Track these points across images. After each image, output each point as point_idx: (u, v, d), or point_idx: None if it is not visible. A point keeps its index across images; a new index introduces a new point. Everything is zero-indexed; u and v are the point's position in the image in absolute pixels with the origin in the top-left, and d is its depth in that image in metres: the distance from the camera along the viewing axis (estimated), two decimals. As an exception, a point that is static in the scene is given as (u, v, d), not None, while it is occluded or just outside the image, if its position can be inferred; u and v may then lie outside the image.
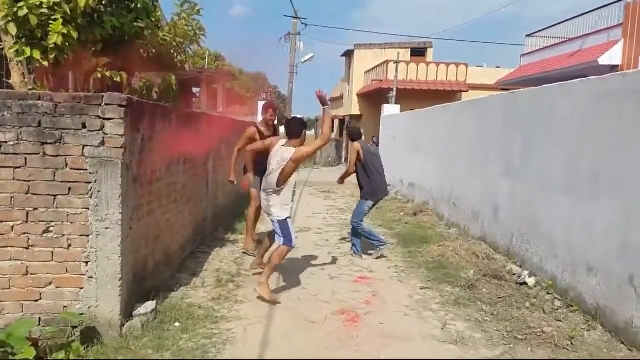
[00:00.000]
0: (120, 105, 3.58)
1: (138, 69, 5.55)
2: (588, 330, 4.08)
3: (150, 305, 4.03)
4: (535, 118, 5.69)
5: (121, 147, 3.59)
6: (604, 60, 11.87)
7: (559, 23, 15.22)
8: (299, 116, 5.09)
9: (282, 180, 4.69)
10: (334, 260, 6.09)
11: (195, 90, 35.60)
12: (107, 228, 3.64)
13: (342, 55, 31.00)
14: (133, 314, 3.92)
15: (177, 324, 3.91)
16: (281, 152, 4.74)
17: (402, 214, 9.56)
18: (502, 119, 6.63)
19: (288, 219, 4.81)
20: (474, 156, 7.57)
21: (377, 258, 6.24)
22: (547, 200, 5.30)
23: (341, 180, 6.97)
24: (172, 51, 5.47)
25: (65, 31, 3.85)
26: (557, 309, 4.64)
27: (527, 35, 17.28)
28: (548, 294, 4.98)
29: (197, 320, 4.00)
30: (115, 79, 4.65)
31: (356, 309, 4.46)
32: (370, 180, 6.38)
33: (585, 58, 12.49)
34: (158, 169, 4.48)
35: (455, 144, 8.47)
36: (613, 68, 12.03)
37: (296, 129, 4.89)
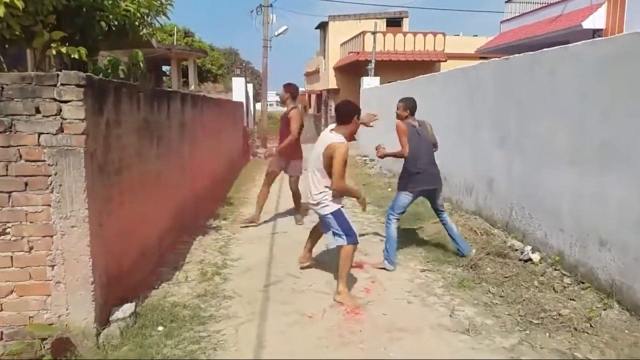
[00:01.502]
0: (78, 85, 3.09)
1: (99, 44, 4.98)
2: (605, 309, 3.81)
3: (128, 308, 3.62)
4: (534, 85, 5.33)
5: (82, 134, 3.11)
6: (587, 24, 11.57)
7: (539, -13, 14.89)
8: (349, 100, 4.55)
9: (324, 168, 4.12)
10: (326, 246, 5.70)
11: (165, 68, 34.58)
12: (73, 226, 3.19)
13: (316, 28, 30.24)
14: (110, 319, 3.50)
15: (160, 328, 3.50)
16: (327, 147, 4.07)
17: (390, 190, 9.22)
18: (495, 87, 6.27)
19: (341, 208, 4.22)
20: (465, 128, 7.22)
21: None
22: (549, 171, 4.99)
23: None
24: (137, 23, 4.90)
25: (7, 0, 3.30)
26: (568, 287, 4.36)
27: (506, 1, 16.90)
28: (555, 270, 4.70)
29: (183, 322, 3.60)
30: (72, 56, 4.10)
31: (356, 299, 4.10)
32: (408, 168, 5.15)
33: (568, 22, 12.18)
34: (128, 156, 4.00)
35: (444, 115, 8.10)
36: (596, 32, 11.76)
37: (344, 113, 4.23)
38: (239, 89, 16.10)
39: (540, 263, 4.91)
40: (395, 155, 5.24)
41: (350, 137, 4.21)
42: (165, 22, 5.62)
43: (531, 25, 14.59)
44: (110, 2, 4.49)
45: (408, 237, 6.01)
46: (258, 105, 25.65)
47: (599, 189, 4.23)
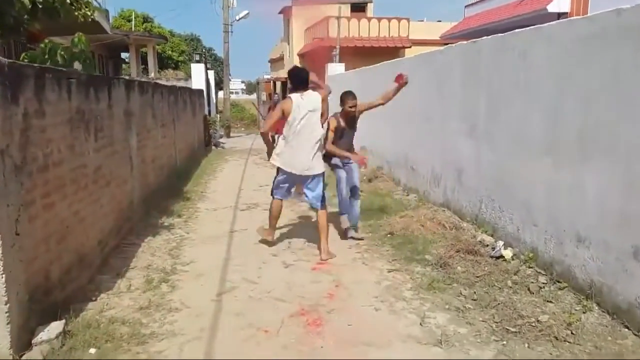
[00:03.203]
0: (-20, 70, 2.58)
1: (29, 25, 4.41)
2: (584, 312, 3.55)
3: (56, 327, 3.14)
4: (504, 69, 5.03)
5: (-13, 127, 2.61)
6: (552, 7, 11.44)
7: (504, -29, 14.67)
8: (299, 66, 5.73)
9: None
10: (288, 244, 5.32)
11: (124, 55, 33.22)
12: (-21, 238, 2.69)
13: (279, 13, 29.53)
14: (33, 342, 3.01)
15: (92, 351, 3.03)
16: (307, 100, 4.77)
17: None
18: (463, 72, 5.96)
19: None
20: (432, 116, 6.91)
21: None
22: (521, 162, 4.71)
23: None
24: (69, 1, 4.34)
25: None
26: (543, 287, 4.09)
27: (471, -15, 16.70)
28: (529, 267, 4.44)
29: (120, 342, 3.14)
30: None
31: (318, 307, 3.72)
32: None
33: (534, 6, 12.04)
34: (56, 151, 3.49)
35: (409, 103, 7.77)
36: (561, 15, 11.64)
37: (301, 78, 4.90)
38: (198, 76, 15.44)
39: (513, 260, 4.64)
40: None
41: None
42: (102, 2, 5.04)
43: (496, 9, 14.42)
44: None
45: (374, 232, 5.68)
46: (222, 94, 24.91)
47: (576, 181, 3.96)
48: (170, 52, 36.00)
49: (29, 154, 3.07)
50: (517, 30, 4.88)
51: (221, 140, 16.85)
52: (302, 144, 4.74)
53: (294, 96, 4.78)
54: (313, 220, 6.29)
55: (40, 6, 4.13)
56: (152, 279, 4.20)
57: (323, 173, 4.95)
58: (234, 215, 6.40)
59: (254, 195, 7.88)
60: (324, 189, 5.00)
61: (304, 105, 4.74)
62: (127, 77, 20.05)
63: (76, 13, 4.58)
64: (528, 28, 4.70)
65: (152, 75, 24.91)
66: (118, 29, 27.39)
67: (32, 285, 3.11)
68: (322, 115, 4.90)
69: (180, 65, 35.90)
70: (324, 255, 4.78)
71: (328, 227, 4.94)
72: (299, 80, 4.87)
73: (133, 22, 32.69)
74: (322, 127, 4.92)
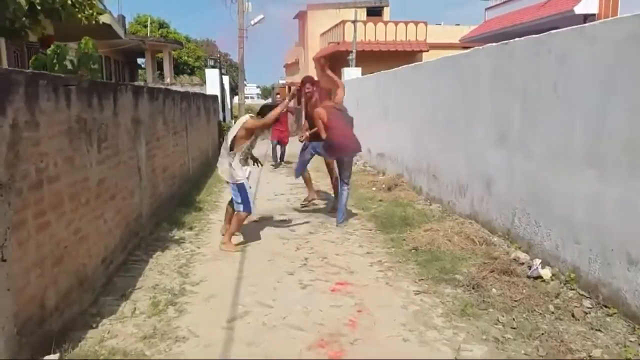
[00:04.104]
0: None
1: (29, 28, 4.13)
2: (641, 345, 3.14)
3: (50, 361, 2.83)
4: (540, 73, 4.62)
5: (-36, 142, 2.30)
6: (579, 9, 10.96)
7: (526, -28, 14.21)
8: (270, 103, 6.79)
9: (236, 143, 5.33)
10: (305, 260, 4.96)
11: (140, 61, 33.26)
12: (-42, 266, 2.38)
13: (294, 18, 29.32)
14: (22, 379, 2.71)
15: (88, 390, 2.71)
16: (240, 121, 5.57)
17: (374, 189, 8.50)
18: (492, 77, 5.56)
19: (245, 183, 5.30)
20: (457, 122, 6.51)
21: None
22: (561, 173, 4.29)
23: None
24: (71, 1, 4.05)
25: None
26: (589, 312, 3.68)
27: (491, -13, 16.26)
28: (571, 289, 4.03)
29: (119, 379, 2.81)
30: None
31: (339, 337, 3.35)
32: None
33: (559, 7, 11.56)
34: (52, 165, 3.19)
35: (431, 108, 7.40)
36: (588, 17, 11.16)
37: (264, 111, 5.57)
38: (213, 81, 15.18)
39: (552, 280, 4.23)
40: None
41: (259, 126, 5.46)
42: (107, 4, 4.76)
43: (518, 11, 13.95)
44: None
45: (397, 247, 5.30)
46: (237, 99, 24.69)
47: (626, 196, 3.55)
48: (186, 58, 36.00)
49: (18, 170, 2.76)
50: (553, 31, 4.48)
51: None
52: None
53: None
54: (331, 233, 5.93)
55: (39, 7, 3.83)
56: (159, 301, 3.87)
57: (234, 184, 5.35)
58: (247, 228, 6.05)
59: (269, 205, 7.55)
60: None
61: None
62: (137, 83, 19.96)
63: (80, 15, 4.29)
64: (567, 29, 4.29)
65: (167, 80, 24.83)
66: (134, 35, 27.43)
67: (24, 315, 2.80)
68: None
69: (196, 71, 35.89)
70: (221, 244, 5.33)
71: (236, 228, 5.41)
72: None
73: (149, 28, 32.75)
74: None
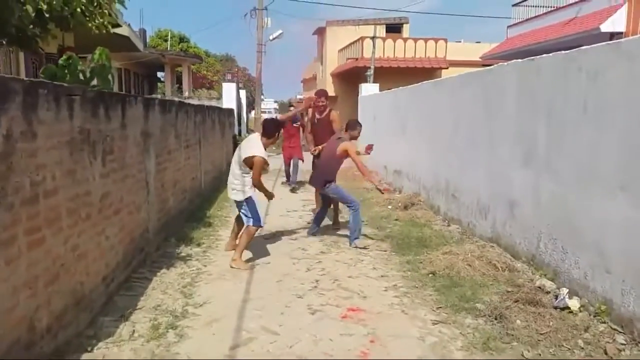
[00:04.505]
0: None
1: (41, 37, 4.01)
2: (685, 391, 2.82)
3: (35, 390, 2.62)
4: (569, 91, 4.36)
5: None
6: (606, 27, 10.66)
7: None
8: (275, 117, 6.44)
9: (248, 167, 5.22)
10: (316, 282, 4.71)
11: (160, 74, 33.64)
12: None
13: (313, 34, 29.38)
14: (5, 410, 2.50)
15: None
16: (250, 140, 5.49)
17: (390, 207, 8.23)
18: (517, 94, 5.31)
19: (252, 196, 5.26)
20: (477, 140, 6.25)
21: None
22: (591, 197, 4.01)
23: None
24: (80, 10, 3.91)
25: None
26: (623, 349, 3.38)
27: (513, 5, 16.01)
28: (601, 323, 3.72)
29: (109, 412, 2.59)
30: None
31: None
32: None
33: (585, 26, 11.27)
34: (49, 178, 3.01)
35: (451, 125, 7.15)
36: (615, 36, 10.84)
37: (270, 129, 5.43)
38: (229, 95, 15.14)
39: (581, 312, 3.92)
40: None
41: (269, 145, 5.45)
42: (121, 9, 4.64)
43: (541, 29, 13.68)
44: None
45: (414, 271, 5.02)
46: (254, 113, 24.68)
47: (666, 225, 3.26)
48: (205, 72, 36.33)
49: (10, 183, 2.59)
50: (584, 47, 4.23)
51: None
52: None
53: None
54: (344, 254, 5.68)
55: (47, 15, 3.71)
56: (160, 324, 3.66)
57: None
58: (257, 245, 5.83)
59: (280, 221, 7.34)
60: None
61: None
62: (153, 96, 20.08)
63: (90, 24, 4.16)
64: (600, 44, 4.04)
65: (186, 94, 24.97)
66: (154, 48, 27.76)
67: (10, 339, 2.60)
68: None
69: (214, 85, 36.16)
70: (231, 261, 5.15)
71: (246, 243, 5.26)
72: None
73: (169, 42, 33.15)
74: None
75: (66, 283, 3.28)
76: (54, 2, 3.61)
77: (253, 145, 5.28)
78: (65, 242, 3.25)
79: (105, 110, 3.96)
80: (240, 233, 5.42)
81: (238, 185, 5.25)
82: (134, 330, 3.56)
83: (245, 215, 5.27)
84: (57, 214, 3.14)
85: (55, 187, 3.10)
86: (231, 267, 5.06)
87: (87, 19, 4.12)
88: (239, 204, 5.32)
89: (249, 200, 5.23)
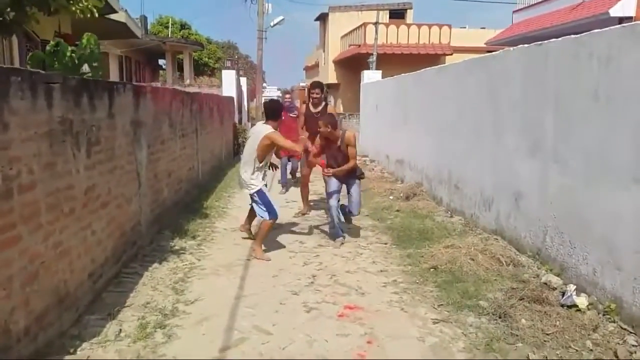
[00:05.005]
0: None
1: (20, 16, 3.80)
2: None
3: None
4: (579, 77, 4.14)
5: None
6: (615, 11, 10.35)
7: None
8: (275, 97, 6.47)
9: (259, 154, 5.13)
10: (313, 278, 4.54)
11: (161, 62, 33.36)
12: None
13: (315, 20, 29.00)
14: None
15: None
16: (258, 132, 5.25)
17: (392, 197, 8.04)
18: (525, 81, 5.08)
19: (263, 188, 5.20)
20: (482, 129, 6.04)
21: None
22: (602, 189, 3.81)
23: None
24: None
25: None
26: (634, 351, 3.20)
27: (519, -11, 15.66)
28: (611, 322, 3.55)
29: (87, 421, 2.43)
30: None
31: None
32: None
33: (593, 10, 10.96)
34: (25, 172, 2.83)
35: (456, 113, 6.92)
36: (623, 20, 10.54)
37: (271, 111, 5.32)
38: (229, 83, 14.88)
39: (589, 310, 3.74)
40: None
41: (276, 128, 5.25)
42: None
43: (548, 14, 13.36)
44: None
45: (414, 265, 4.85)
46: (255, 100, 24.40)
47: (682, 221, 3.06)
48: (206, 59, 35.99)
49: (-22, 177, 2.41)
50: (595, 30, 4.00)
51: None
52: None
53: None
54: (343, 247, 5.51)
55: (24, -1, 3.51)
56: (147, 323, 3.50)
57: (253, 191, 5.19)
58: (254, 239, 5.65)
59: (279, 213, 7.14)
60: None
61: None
62: (154, 84, 19.83)
63: (73, 8, 3.96)
64: (613, 28, 3.81)
65: (187, 82, 24.70)
66: (155, 35, 27.43)
67: (-19, 344, 2.44)
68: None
69: (216, 72, 35.83)
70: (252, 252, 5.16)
71: (263, 236, 5.23)
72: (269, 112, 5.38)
73: (170, 29, 32.79)
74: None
75: (47, 282, 3.11)
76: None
77: (262, 129, 5.21)
78: (45, 239, 3.08)
79: (90, 98, 3.77)
80: (258, 226, 5.41)
81: (247, 178, 5.16)
82: (120, 330, 3.40)
83: (261, 210, 5.18)
84: (35, 210, 2.96)
85: (32, 182, 2.92)
86: (253, 257, 5.07)
87: (71, 2, 3.91)
88: (251, 197, 5.26)
89: (259, 193, 5.15)
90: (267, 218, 5.15)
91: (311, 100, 7.17)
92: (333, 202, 5.68)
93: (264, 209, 5.16)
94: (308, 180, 7.31)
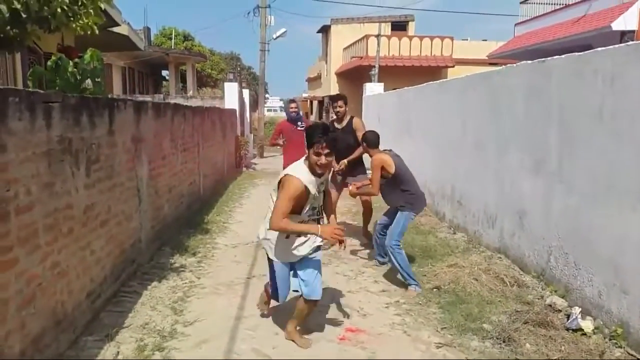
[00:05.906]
0: None
1: (21, 36, 3.79)
2: None
3: None
4: (583, 95, 4.11)
5: None
6: (617, 25, 10.34)
7: (558, -13, 13.66)
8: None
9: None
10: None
11: (165, 73, 33.46)
12: None
13: (318, 32, 29.10)
14: None
15: None
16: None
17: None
18: (527, 97, 5.05)
19: (275, 263, 3.54)
20: (485, 145, 6.00)
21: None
22: (609, 210, 3.75)
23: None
24: (62, 10, 3.68)
25: None
26: (642, 379, 3.13)
27: (521, 2, 15.69)
28: (617, 347, 3.48)
29: None
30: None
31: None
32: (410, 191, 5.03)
33: (595, 24, 10.95)
34: (22, 193, 2.80)
35: (459, 129, 6.89)
36: (625, 34, 10.53)
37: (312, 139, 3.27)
38: (231, 95, 14.89)
39: (595, 334, 3.67)
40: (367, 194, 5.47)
41: (314, 167, 3.28)
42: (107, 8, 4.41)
43: (550, 27, 13.36)
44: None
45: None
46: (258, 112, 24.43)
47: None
48: (209, 70, 36.09)
49: (-26, 201, 2.37)
50: (600, 48, 3.97)
51: (253, 160, 16.27)
52: None
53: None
54: (345, 265, 5.44)
55: (24, 15, 3.49)
56: (146, 345, 3.44)
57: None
58: (255, 256, 5.60)
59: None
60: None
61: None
62: (157, 96, 19.88)
63: (74, 25, 3.95)
64: (617, 46, 3.77)
65: (190, 93, 24.74)
66: (158, 47, 27.54)
67: (-26, 371, 2.39)
68: None
69: (219, 84, 35.94)
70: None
71: (299, 317, 3.62)
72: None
73: (173, 40, 32.93)
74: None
75: (44, 304, 3.06)
76: (31, 2, 3.38)
77: (292, 166, 3.45)
78: (43, 260, 3.03)
79: (90, 117, 3.74)
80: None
81: (263, 233, 3.55)
82: (118, 352, 3.35)
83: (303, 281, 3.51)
84: (33, 231, 2.93)
85: (30, 203, 2.88)
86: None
87: (71, 19, 3.90)
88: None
89: (270, 263, 3.58)
90: (304, 295, 3.55)
91: (335, 115, 6.40)
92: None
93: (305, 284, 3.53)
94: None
